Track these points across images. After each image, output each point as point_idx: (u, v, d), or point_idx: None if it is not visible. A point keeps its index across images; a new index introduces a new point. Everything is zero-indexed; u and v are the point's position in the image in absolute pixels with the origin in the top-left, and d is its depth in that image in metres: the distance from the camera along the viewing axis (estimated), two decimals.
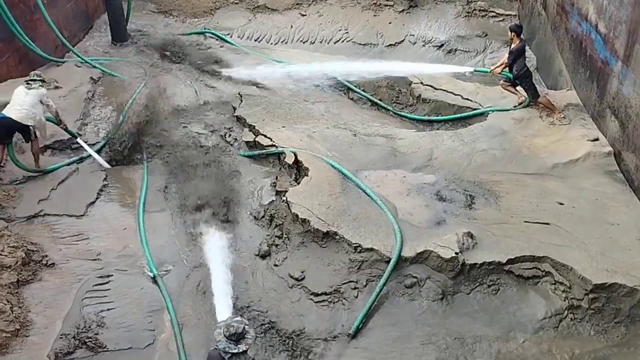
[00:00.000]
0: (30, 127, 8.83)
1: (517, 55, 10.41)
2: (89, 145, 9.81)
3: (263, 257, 7.88)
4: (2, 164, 8.91)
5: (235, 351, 4.90)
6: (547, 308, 7.06)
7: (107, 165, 9.63)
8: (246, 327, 5.01)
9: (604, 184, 8.86)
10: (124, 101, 10.99)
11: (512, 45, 10.54)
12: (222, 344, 4.92)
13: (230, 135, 10.52)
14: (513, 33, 10.51)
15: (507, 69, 10.67)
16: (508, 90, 10.93)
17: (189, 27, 15.71)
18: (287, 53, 14.16)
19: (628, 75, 8.84)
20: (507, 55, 10.67)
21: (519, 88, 10.77)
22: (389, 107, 11.97)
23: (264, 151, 9.84)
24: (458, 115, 11.20)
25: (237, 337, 4.92)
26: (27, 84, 8.94)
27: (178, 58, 13.76)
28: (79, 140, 9.88)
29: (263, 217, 8.51)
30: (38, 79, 9.02)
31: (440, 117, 11.35)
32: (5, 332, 6.30)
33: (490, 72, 10.99)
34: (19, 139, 9.09)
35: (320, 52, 14.42)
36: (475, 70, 11.80)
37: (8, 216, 8.09)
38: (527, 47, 13.94)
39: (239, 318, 5.14)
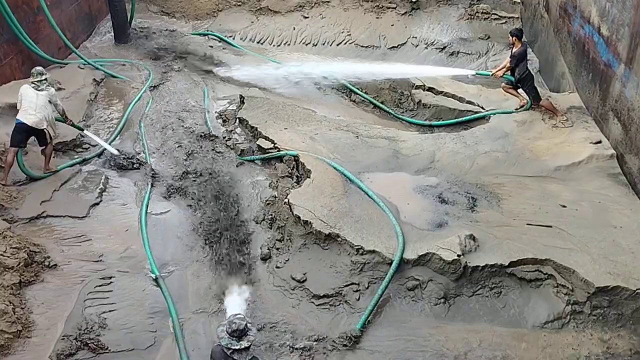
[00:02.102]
0: (46, 130, 8.83)
1: (519, 59, 10.43)
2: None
3: (264, 259, 7.88)
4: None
5: (237, 347, 5.01)
6: (549, 311, 7.05)
7: (116, 153, 9.80)
8: (248, 324, 5.12)
9: (607, 187, 8.84)
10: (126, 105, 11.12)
11: (514, 49, 10.55)
12: (224, 340, 5.03)
13: (230, 138, 10.54)
14: (514, 37, 10.53)
15: (508, 72, 10.68)
16: (509, 93, 10.94)
17: (192, 29, 15.76)
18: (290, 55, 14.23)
19: (631, 78, 8.83)
20: (508, 58, 10.68)
21: (520, 91, 10.78)
22: (390, 111, 11.96)
23: (265, 155, 9.83)
24: (460, 119, 11.17)
25: (239, 334, 5.03)
26: (34, 84, 8.83)
27: (180, 59, 13.82)
28: (86, 132, 9.94)
29: (263, 219, 8.52)
30: (43, 78, 8.90)
31: (442, 122, 11.30)
32: (7, 333, 6.30)
33: (492, 75, 10.99)
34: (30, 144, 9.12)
35: (323, 55, 14.46)
36: (477, 73, 11.79)
37: (11, 217, 8.10)
38: (529, 50, 13.98)
39: (241, 315, 5.24)
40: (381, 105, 12.15)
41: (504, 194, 8.74)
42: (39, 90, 8.79)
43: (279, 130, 10.26)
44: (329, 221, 7.84)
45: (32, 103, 8.69)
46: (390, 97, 12.41)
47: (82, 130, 9.93)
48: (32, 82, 8.88)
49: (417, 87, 12.14)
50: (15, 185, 8.78)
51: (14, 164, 8.70)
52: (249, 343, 5.06)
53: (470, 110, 11.25)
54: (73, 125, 9.65)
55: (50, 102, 8.89)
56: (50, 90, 8.96)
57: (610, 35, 9.60)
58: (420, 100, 11.81)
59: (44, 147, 8.98)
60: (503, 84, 11.00)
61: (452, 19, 15.33)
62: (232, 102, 11.95)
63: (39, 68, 9.10)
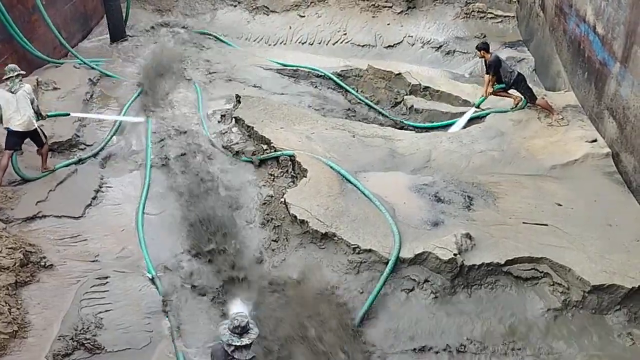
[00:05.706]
0: (39, 129, 8.75)
1: (495, 67, 10.45)
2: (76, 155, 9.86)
3: (257, 262, 7.85)
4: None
5: (239, 344, 4.98)
6: (545, 309, 7.06)
7: (141, 120, 10.35)
8: (250, 323, 5.10)
9: (602, 185, 8.86)
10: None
11: (487, 61, 10.57)
12: (226, 336, 5.01)
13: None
14: (482, 51, 10.63)
15: (497, 83, 10.62)
16: (500, 95, 10.90)
17: (189, 29, 15.71)
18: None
19: (626, 77, 8.85)
20: (486, 75, 10.70)
21: (511, 91, 10.75)
22: (384, 112, 11.93)
23: (263, 156, 9.80)
24: (455, 120, 11.11)
25: (241, 330, 5.01)
26: (7, 86, 8.45)
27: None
28: (73, 114, 10.02)
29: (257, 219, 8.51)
30: (14, 75, 8.46)
31: (438, 124, 11.25)
32: (3, 333, 6.28)
33: (486, 97, 10.82)
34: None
35: (319, 54, 14.46)
36: (476, 107, 11.04)
37: (6, 217, 8.05)
38: (525, 49, 14.03)
39: (243, 312, 5.22)
40: (375, 106, 12.14)
41: (500, 192, 8.75)
42: (13, 92, 8.47)
43: (275, 130, 10.25)
44: (326, 220, 7.84)
45: (14, 107, 8.46)
46: (387, 96, 12.41)
47: (69, 114, 9.90)
48: (6, 84, 8.49)
49: (411, 92, 12.10)
50: (11, 185, 8.74)
51: (9, 166, 8.66)
52: (250, 341, 5.03)
53: (463, 113, 11.22)
54: (54, 115, 9.60)
55: (28, 99, 8.59)
56: (26, 87, 8.64)
57: (606, 34, 9.63)
58: (412, 106, 11.81)
59: (39, 148, 8.94)
60: (491, 89, 10.87)
61: (448, 17, 15.36)
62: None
63: (12, 65, 8.64)
